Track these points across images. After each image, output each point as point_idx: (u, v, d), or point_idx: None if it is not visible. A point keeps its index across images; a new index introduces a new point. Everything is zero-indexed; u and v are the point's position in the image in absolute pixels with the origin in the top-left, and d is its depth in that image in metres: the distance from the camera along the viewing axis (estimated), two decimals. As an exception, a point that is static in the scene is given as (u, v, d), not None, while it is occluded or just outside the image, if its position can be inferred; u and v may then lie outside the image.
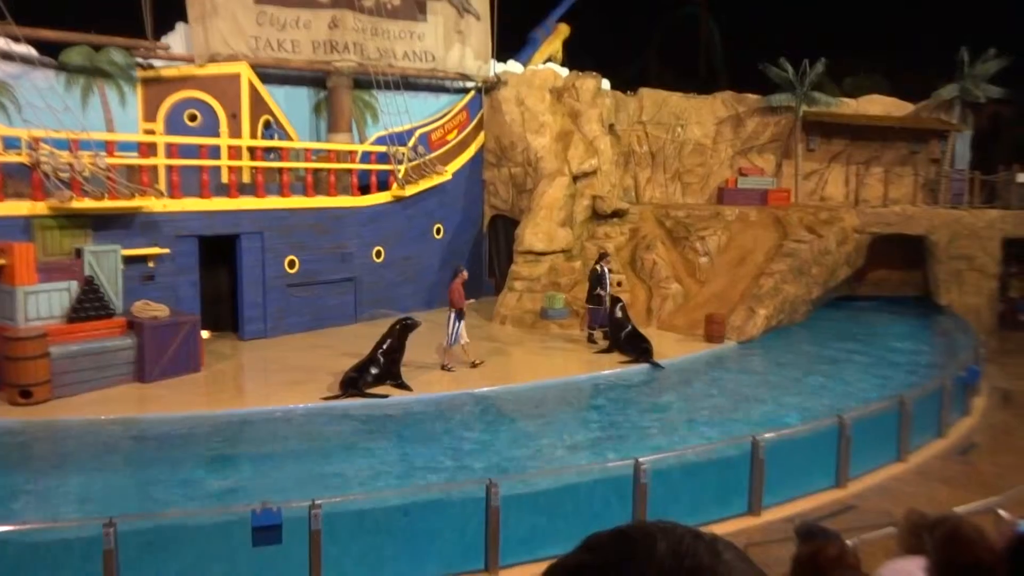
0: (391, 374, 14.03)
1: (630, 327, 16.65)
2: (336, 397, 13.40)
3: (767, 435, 10.02)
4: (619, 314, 16.75)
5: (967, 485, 10.53)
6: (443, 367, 15.12)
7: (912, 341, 19.43)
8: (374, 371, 13.90)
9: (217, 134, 17.66)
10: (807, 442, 10.64)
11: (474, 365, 15.27)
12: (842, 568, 2.90)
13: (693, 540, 0.83)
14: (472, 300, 15.99)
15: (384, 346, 14.17)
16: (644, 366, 15.90)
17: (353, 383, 13.61)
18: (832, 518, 9.28)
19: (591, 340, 17.38)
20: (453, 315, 15.05)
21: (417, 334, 14.55)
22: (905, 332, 20.31)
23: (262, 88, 18.75)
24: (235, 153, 17.52)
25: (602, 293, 17.15)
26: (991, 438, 12.88)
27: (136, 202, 15.19)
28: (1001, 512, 6.86)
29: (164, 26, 18.39)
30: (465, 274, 15.71)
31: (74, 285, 13.69)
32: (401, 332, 14.35)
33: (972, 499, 8.46)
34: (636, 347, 16.21)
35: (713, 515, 9.48)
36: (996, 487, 9.55)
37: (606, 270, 17.39)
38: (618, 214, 21.17)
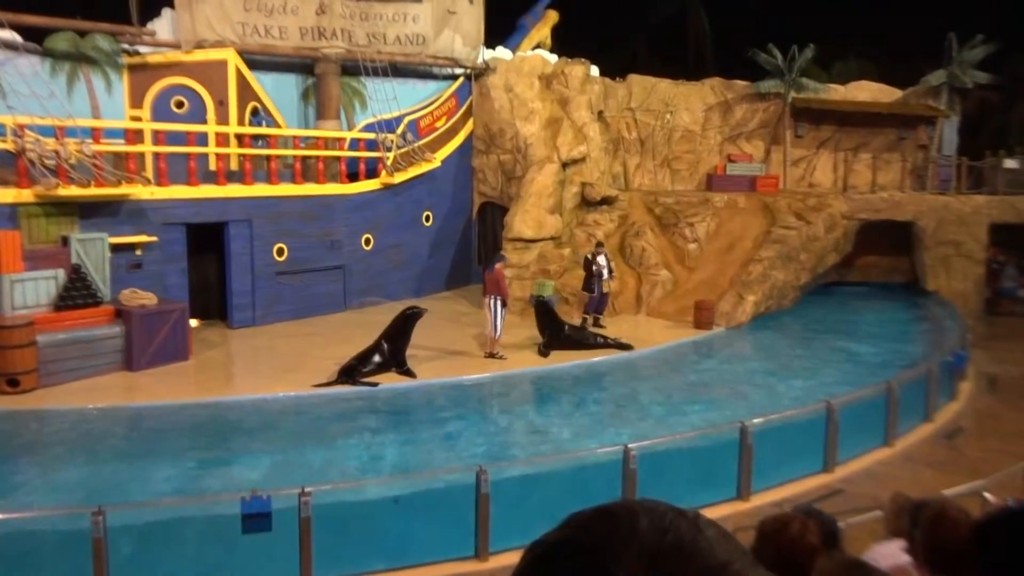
0: (396, 362, 14.06)
1: (566, 326, 16.21)
2: (327, 385, 13.39)
3: (756, 420, 10.07)
4: (551, 314, 16.08)
5: (953, 469, 10.61)
6: (493, 355, 15.12)
7: (899, 327, 19.55)
8: (376, 359, 13.93)
9: (204, 121, 17.56)
10: (795, 427, 10.70)
11: (497, 356, 15.19)
12: (802, 546, 2.90)
13: (676, 517, 0.83)
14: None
15: (389, 335, 14.20)
16: (629, 352, 15.96)
17: (350, 371, 13.61)
18: (820, 502, 9.35)
19: (596, 324, 17.55)
20: (498, 303, 15.03)
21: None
22: (893, 318, 20.43)
23: (249, 75, 18.63)
24: (223, 140, 17.44)
25: (587, 283, 17.46)
26: (977, 422, 12.98)
27: (123, 189, 15.09)
28: (987, 495, 6.93)
29: (150, 12, 18.25)
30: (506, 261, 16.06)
31: (61, 273, 13.62)
32: (406, 321, 14.39)
33: (958, 483, 8.52)
34: (587, 337, 16.16)
35: (701, 500, 9.52)
36: (982, 471, 9.61)
37: (598, 260, 17.47)
38: (607, 201, 21.17)
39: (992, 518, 2.38)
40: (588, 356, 15.69)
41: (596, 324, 17.58)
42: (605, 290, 17.77)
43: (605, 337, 16.23)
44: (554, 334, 15.87)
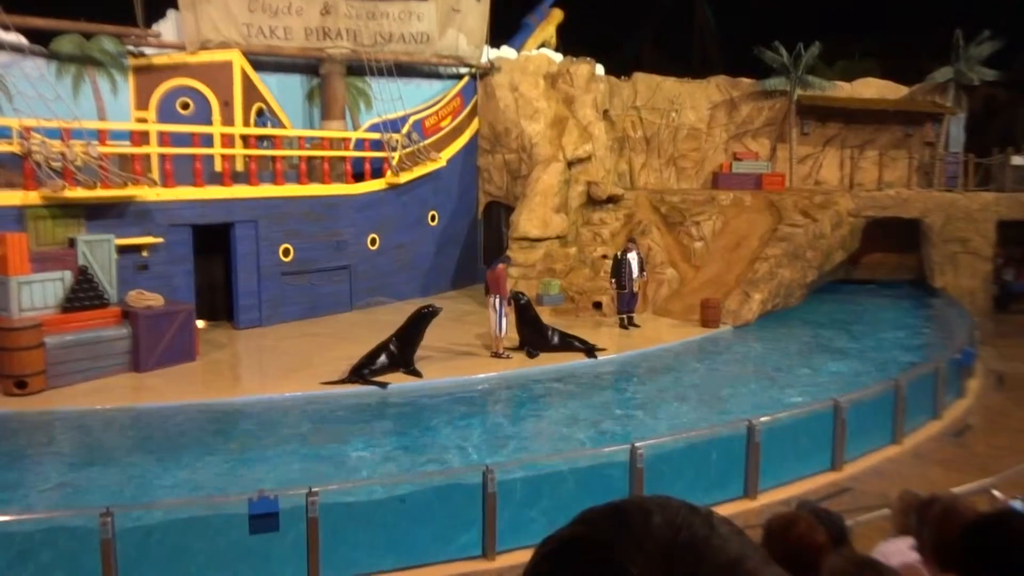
0: (403, 361, 14.03)
1: (548, 328, 15.78)
2: (337, 383, 13.40)
3: (763, 419, 10.04)
4: (531, 314, 15.64)
5: (962, 466, 10.57)
6: (498, 355, 15.07)
7: (906, 324, 19.48)
8: (385, 359, 13.87)
9: (210, 122, 17.59)
10: (803, 425, 10.67)
11: (501, 356, 15.14)
12: (809, 545, 2.90)
13: (688, 513, 0.82)
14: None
15: (401, 333, 14.17)
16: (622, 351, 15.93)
17: (359, 370, 13.61)
18: (828, 500, 9.32)
19: (623, 325, 17.52)
20: (499, 302, 14.97)
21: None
22: (900, 315, 20.35)
23: (254, 75, 18.65)
24: (228, 141, 17.45)
25: (619, 280, 17.33)
26: (986, 420, 12.93)
27: (129, 191, 15.12)
28: (996, 492, 6.90)
29: (155, 14, 18.28)
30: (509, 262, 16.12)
31: (68, 275, 13.66)
32: (420, 320, 14.35)
33: (967, 480, 8.49)
34: (569, 342, 15.71)
35: (709, 499, 9.51)
36: (991, 468, 9.58)
37: (628, 258, 17.42)
38: (613, 200, 21.15)
39: (977, 523, 2.38)
40: (591, 355, 15.67)
41: (630, 323, 17.50)
42: (636, 288, 17.67)
43: (578, 339, 15.84)
44: (528, 333, 15.58)
